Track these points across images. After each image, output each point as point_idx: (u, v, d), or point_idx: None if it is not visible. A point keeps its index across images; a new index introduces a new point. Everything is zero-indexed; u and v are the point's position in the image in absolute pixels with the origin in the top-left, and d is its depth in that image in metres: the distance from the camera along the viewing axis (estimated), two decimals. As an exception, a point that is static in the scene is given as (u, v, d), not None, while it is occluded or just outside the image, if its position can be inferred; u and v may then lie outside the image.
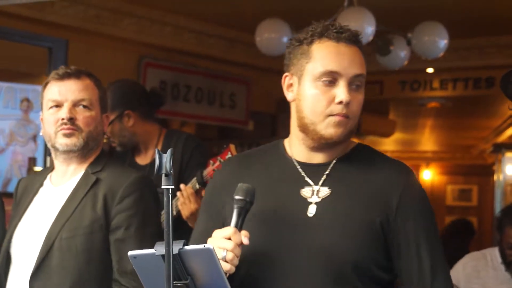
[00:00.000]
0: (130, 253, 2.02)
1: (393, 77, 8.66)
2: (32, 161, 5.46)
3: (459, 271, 4.61)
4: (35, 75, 6.32)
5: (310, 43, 2.41)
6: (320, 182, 2.42)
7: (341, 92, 2.35)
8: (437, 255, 2.40)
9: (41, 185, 3.09)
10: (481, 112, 11.13)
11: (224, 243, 2.18)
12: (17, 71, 6.18)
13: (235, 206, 2.25)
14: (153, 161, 3.92)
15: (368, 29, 5.61)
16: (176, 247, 1.93)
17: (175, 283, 1.92)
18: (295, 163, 2.46)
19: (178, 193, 3.86)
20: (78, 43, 6.02)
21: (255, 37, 5.99)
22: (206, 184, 3.80)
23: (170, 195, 1.87)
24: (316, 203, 2.39)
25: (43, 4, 6.16)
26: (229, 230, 2.21)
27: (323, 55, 2.38)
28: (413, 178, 2.46)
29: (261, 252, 2.36)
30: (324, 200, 2.39)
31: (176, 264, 1.94)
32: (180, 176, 4.05)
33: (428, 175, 15.33)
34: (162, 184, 1.89)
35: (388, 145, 13.75)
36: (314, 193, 2.41)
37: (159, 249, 1.94)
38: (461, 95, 8.78)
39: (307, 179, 2.43)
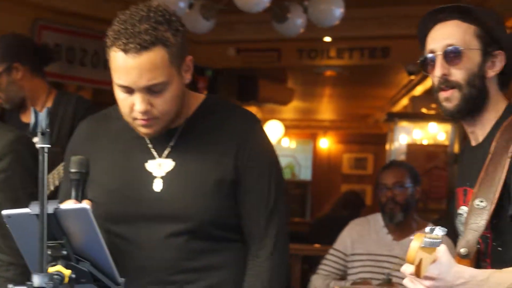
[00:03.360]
0: (4, 212, 1.97)
1: (291, 45, 8.70)
2: None
3: (345, 237, 4.67)
4: None
5: (109, 47, 2.33)
6: (164, 155, 2.44)
7: (136, 102, 2.32)
8: (274, 209, 2.46)
9: None
10: (377, 82, 11.30)
11: None
12: None
13: (72, 179, 2.28)
14: None
15: (264, -5, 5.63)
16: (51, 207, 1.90)
17: (50, 243, 1.89)
18: None
19: None
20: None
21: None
22: None
23: (45, 154, 1.83)
24: (162, 177, 2.42)
25: None
26: (69, 203, 2.21)
27: (114, 68, 2.33)
28: (258, 126, 2.51)
29: (113, 230, 2.43)
30: (169, 173, 2.42)
31: (51, 223, 1.90)
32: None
33: (325, 144, 15.50)
34: (38, 142, 1.85)
35: (287, 113, 13.84)
36: (159, 167, 2.44)
37: (33, 209, 1.90)
38: (357, 64, 8.90)
39: (152, 150, 2.46)
